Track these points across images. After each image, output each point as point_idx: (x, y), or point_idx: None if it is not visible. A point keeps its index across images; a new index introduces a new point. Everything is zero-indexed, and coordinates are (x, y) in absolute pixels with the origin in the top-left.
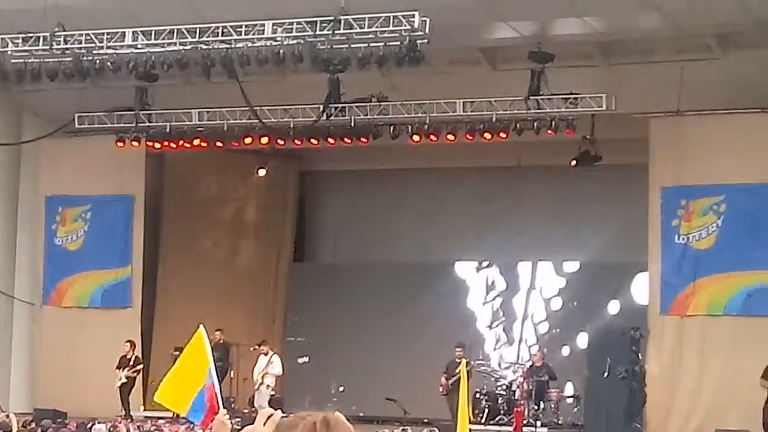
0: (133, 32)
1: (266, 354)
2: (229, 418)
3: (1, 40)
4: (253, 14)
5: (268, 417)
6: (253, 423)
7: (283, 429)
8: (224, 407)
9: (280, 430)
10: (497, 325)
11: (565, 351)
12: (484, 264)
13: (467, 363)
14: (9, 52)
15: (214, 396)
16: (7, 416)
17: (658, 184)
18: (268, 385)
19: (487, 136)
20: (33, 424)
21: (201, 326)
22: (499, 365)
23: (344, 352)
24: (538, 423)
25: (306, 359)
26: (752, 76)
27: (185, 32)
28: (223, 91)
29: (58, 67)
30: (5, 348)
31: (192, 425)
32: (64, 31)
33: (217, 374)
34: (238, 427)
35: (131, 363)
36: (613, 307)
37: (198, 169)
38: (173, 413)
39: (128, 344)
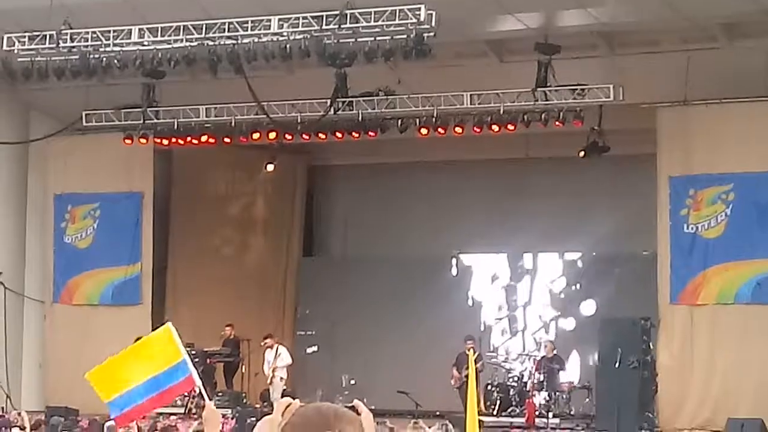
0: (139, 29)
1: (272, 347)
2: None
3: (8, 39)
4: (259, 10)
5: (287, 406)
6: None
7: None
8: (210, 399)
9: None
10: (506, 317)
11: (576, 341)
12: (493, 255)
13: (477, 356)
14: (15, 51)
15: (184, 386)
16: (19, 414)
17: (666, 174)
18: (281, 378)
19: (495, 128)
20: (45, 422)
21: (168, 323)
22: (509, 357)
23: (355, 345)
24: (550, 414)
25: (315, 348)
26: (758, 65)
27: (191, 29)
28: (231, 87)
29: (64, 66)
30: (16, 346)
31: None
32: (71, 29)
33: (225, 369)
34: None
35: None
36: (623, 296)
37: (206, 166)
38: (186, 408)
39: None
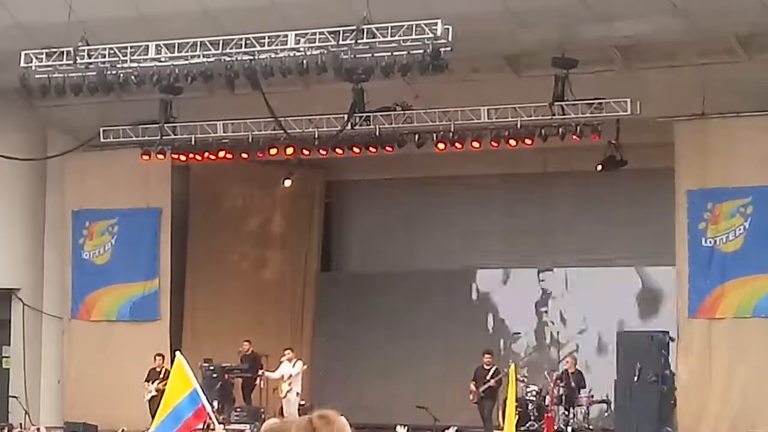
0: (156, 45)
1: (290, 360)
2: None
3: (25, 56)
4: (275, 25)
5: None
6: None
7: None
8: (221, 422)
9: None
10: (524, 332)
11: (595, 355)
12: (511, 270)
13: (495, 370)
14: (33, 68)
15: (199, 417)
16: (38, 430)
17: (684, 188)
18: (297, 393)
19: (512, 142)
20: None
21: (178, 353)
22: (528, 371)
23: (373, 360)
24: (569, 428)
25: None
26: None
27: (208, 44)
28: (248, 102)
29: (82, 82)
30: (35, 362)
31: None
32: (88, 45)
33: (244, 384)
34: None
35: (161, 376)
36: (642, 311)
37: (224, 181)
38: (204, 425)
39: (159, 357)
